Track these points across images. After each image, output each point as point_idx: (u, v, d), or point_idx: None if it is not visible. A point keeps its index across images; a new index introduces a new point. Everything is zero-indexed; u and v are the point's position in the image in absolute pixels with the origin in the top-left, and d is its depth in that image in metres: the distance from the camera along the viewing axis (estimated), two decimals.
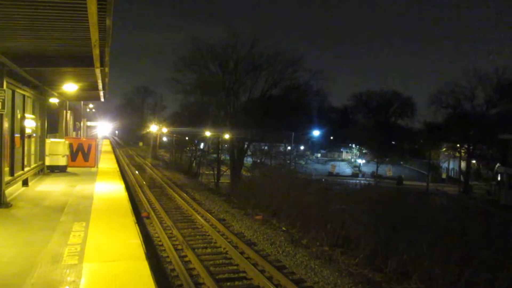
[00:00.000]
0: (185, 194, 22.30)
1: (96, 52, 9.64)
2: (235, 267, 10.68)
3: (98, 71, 12.82)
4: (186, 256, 11.29)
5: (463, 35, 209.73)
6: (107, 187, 16.11)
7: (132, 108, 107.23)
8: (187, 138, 58.85)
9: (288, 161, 50.12)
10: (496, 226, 19.40)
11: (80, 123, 44.26)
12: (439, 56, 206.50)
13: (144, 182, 26.76)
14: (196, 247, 12.24)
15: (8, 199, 11.59)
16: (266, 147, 51.73)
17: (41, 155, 18.45)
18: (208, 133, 48.39)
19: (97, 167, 23.38)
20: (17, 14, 7.35)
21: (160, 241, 12.88)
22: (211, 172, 48.07)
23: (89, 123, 53.57)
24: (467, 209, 27.59)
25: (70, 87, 15.62)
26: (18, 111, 13.93)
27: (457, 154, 58.24)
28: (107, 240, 8.42)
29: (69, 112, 28.89)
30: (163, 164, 53.12)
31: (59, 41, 9.56)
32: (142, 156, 59.16)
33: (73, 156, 22.24)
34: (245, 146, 46.24)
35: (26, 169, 15.19)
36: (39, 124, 17.82)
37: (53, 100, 19.65)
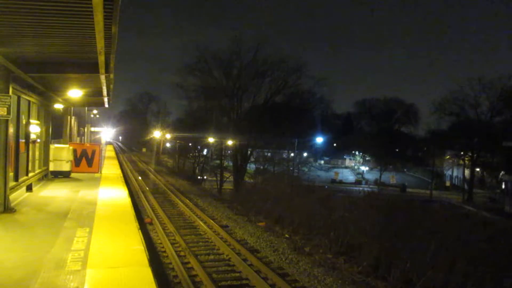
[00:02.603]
0: (188, 200, 22.30)
1: (101, 58, 9.71)
2: (238, 274, 10.66)
3: (103, 78, 12.89)
4: (188, 262, 11.28)
5: (468, 42, 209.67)
6: (111, 193, 16.13)
7: (136, 114, 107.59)
8: (190, 144, 58.98)
9: (291, 168, 50.08)
10: (500, 234, 19.31)
11: (84, 128, 44.40)
12: (444, 63, 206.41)
13: (147, 188, 26.79)
14: (198, 253, 12.22)
15: (12, 204, 11.62)
16: (269, 154, 51.73)
17: (45, 160, 18.51)
18: (211, 139, 48.48)
19: (100, 172, 23.42)
20: (23, 22, 7.43)
21: (163, 247, 12.87)
22: (214, 178, 48.09)
23: (93, 129, 53.72)
24: (471, 217, 27.46)
25: (75, 93, 15.72)
26: (23, 117, 14.03)
27: (461, 162, 58.01)
28: (110, 246, 8.42)
29: (73, 117, 29.03)
30: (166, 170, 53.17)
31: (65, 48, 9.65)
32: (146, 162, 59.25)
33: (77, 161, 22.27)
34: (248, 152, 46.25)
35: (30, 174, 15.25)
36: (43, 129, 17.91)
37: (58, 106, 19.76)
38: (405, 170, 77.29)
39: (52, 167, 19.41)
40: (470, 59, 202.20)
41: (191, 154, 62.20)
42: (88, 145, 26.08)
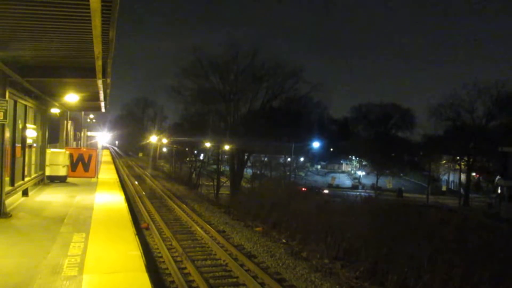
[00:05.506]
0: (184, 205, 22.24)
1: (98, 63, 9.72)
2: (235, 280, 10.62)
3: (100, 82, 12.89)
4: (185, 268, 11.23)
5: (464, 47, 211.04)
6: (107, 198, 16.08)
7: (132, 119, 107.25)
8: (187, 149, 58.96)
9: (288, 173, 50.10)
10: (497, 239, 19.35)
11: (80, 133, 44.28)
12: (440, 68, 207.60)
13: (144, 193, 26.70)
14: (195, 259, 12.17)
15: (8, 209, 11.56)
16: (266, 159, 51.76)
17: (42, 165, 18.44)
18: (208, 144, 48.46)
19: (97, 177, 23.35)
20: (20, 26, 7.43)
21: (159, 252, 12.81)
22: (211, 183, 48.01)
23: (89, 133, 53.57)
24: (467, 222, 27.50)
25: (72, 98, 15.70)
26: (19, 121, 13.96)
27: (457, 167, 58.13)
28: (107, 251, 8.39)
29: (69, 122, 28.95)
30: (163, 175, 53.03)
31: (62, 53, 9.65)
32: (142, 167, 59.10)
33: (73, 166, 22.21)
34: (245, 157, 46.26)
35: (26, 179, 15.17)
36: (40, 134, 17.84)
37: (55, 110, 19.71)
38: (401, 175, 77.37)
39: (48, 171, 19.33)
40: (466, 64, 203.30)
41: (187, 159, 62.11)
42: (84, 149, 25.98)
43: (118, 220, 11.89)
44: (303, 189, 50.85)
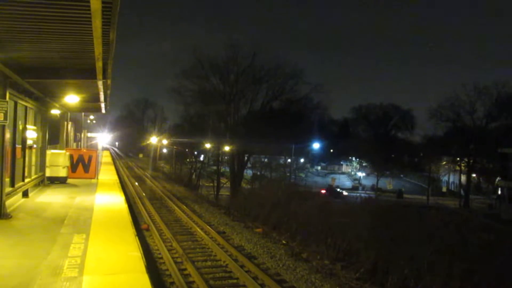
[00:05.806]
0: (184, 206, 22.23)
1: (99, 64, 9.73)
2: (235, 281, 10.61)
3: (100, 83, 12.92)
4: (185, 269, 11.22)
5: (463, 48, 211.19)
6: (107, 199, 16.08)
7: (133, 120, 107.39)
8: (187, 150, 59.00)
9: (288, 174, 50.08)
10: (497, 240, 19.36)
11: (80, 134, 44.31)
12: (440, 69, 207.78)
13: (144, 194, 26.68)
14: (195, 260, 12.16)
15: (8, 210, 11.55)
16: (266, 160, 51.75)
17: (42, 166, 18.43)
18: (208, 145, 48.45)
19: (97, 178, 23.34)
20: (21, 27, 7.44)
21: (160, 253, 12.81)
22: (211, 184, 48.01)
23: (89, 134, 53.61)
24: (468, 223, 27.51)
25: (72, 99, 15.71)
26: (19, 122, 13.96)
27: (457, 168, 58.16)
28: (107, 252, 8.38)
29: (70, 123, 28.96)
30: (163, 176, 53.01)
31: (62, 54, 9.66)
32: (142, 168, 59.07)
33: (73, 167, 22.21)
34: (245, 158, 46.25)
35: (26, 180, 15.17)
36: (40, 135, 17.85)
37: (55, 111, 19.72)
38: (401, 176, 77.37)
39: (48, 172, 19.32)
40: (466, 65, 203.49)
41: (188, 160, 62.09)
42: (84, 150, 25.99)
43: (118, 221, 11.89)
44: (322, 191, 50.87)
